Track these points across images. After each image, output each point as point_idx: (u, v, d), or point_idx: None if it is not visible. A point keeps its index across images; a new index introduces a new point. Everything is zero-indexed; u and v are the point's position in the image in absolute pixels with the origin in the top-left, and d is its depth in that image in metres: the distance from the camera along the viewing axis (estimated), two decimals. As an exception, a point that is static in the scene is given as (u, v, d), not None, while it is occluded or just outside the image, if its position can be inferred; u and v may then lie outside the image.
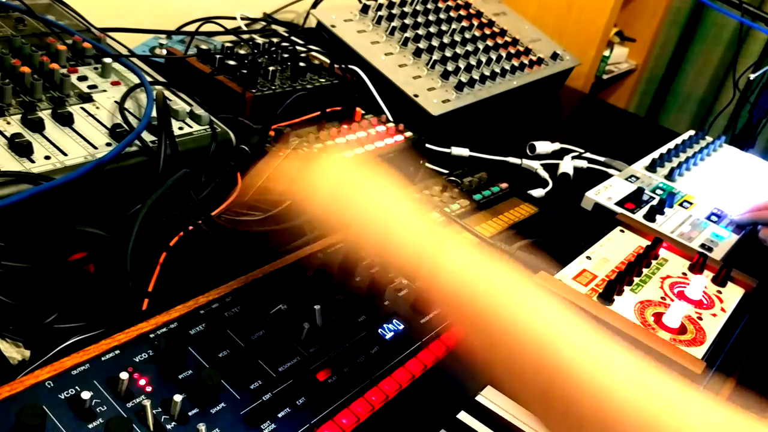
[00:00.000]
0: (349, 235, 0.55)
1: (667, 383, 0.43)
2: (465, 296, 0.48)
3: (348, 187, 0.55)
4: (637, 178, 1.03)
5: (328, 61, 1.06)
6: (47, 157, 0.62)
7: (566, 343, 0.44)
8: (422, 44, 1.15)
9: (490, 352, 0.47)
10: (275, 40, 1.08)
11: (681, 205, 0.98)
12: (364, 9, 1.16)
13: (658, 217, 0.92)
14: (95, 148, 0.66)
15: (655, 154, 1.11)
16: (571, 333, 0.45)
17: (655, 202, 0.96)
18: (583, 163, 1.10)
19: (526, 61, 1.31)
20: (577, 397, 0.42)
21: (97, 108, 0.72)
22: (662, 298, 0.75)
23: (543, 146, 1.10)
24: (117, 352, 0.47)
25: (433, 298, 0.52)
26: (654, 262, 0.81)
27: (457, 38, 1.23)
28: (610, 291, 0.71)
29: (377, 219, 0.53)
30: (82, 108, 0.71)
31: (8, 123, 0.65)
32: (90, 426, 0.42)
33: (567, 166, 1.07)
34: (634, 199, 0.95)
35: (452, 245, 0.51)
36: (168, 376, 0.47)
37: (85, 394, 0.42)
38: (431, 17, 1.23)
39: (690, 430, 0.41)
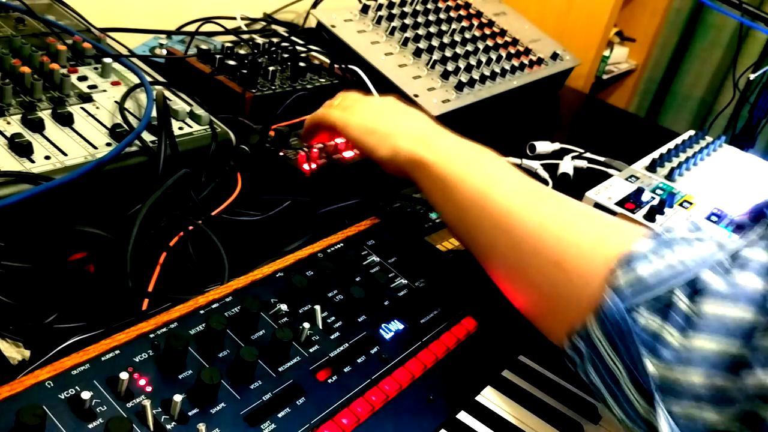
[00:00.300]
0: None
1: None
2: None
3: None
4: (637, 178, 1.03)
5: (328, 61, 1.06)
6: (47, 157, 0.62)
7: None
8: (422, 44, 1.15)
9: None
10: (275, 40, 1.08)
11: (681, 205, 0.98)
12: (364, 9, 1.16)
13: (658, 217, 0.92)
14: (95, 148, 0.66)
15: (655, 154, 1.11)
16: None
17: (655, 202, 0.96)
18: (583, 163, 1.10)
19: (526, 61, 1.31)
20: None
21: (97, 108, 0.72)
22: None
23: (543, 146, 1.11)
24: (117, 352, 0.47)
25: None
26: (654, 262, 0.81)
27: (457, 38, 1.23)
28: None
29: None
30: (82, 108, 0.71)
31: (8, 123, 0.65)
32: (90, 426, 0.42)
33: (567, 166, 1.07)
34: (634, 199, 0.95)
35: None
36: (168, 376, 0.47)
37: (85, 394, 0.42)
38: (431, 17, 1.23)
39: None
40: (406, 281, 0.64)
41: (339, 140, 0.84)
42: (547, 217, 0.55)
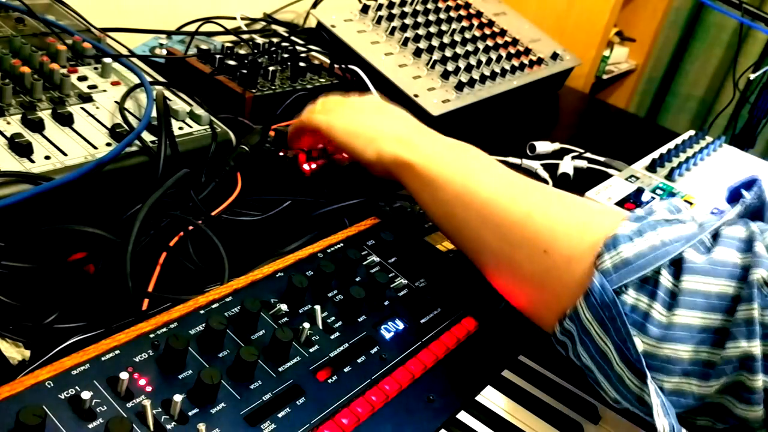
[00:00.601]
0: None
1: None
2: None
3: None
4: (637, 178, 1.03)
5: (328, 61, 1.06)
6: (47, 157, 0.62)
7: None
8: (422, 44, 1.15)
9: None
10: (275, 40, 1.08)
11: (681, 205, 0.98)
12: (364, 9, 1.16)
13: (658, 217, 0.92)
14: (95, 148, 0.66)
15: (655, 154, 1.11)
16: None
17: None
18: (583, 163, 1.10)
19: (526, 61, 1.31)
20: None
21: (97, 108, 0.72)
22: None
23: (543, 146, 1.11)
24: (117, 352, 0.47)
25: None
26: (654, 262, 0.81)
27: (457, 38, 1.23)
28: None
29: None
30: (82, 108, 0.71)
31: (8, 123, 0.65)
32: (90, 426, 0.42)
33: (567, 166, 1.07)
34: (634, 199, 0.95)
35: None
36: (168, 376, 0.47)
37: (85, 394, 0.42)
38: (431, 17, 1.23)
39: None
40: (406, 281, 0.64)
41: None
42: (533, 207, 0.57)
